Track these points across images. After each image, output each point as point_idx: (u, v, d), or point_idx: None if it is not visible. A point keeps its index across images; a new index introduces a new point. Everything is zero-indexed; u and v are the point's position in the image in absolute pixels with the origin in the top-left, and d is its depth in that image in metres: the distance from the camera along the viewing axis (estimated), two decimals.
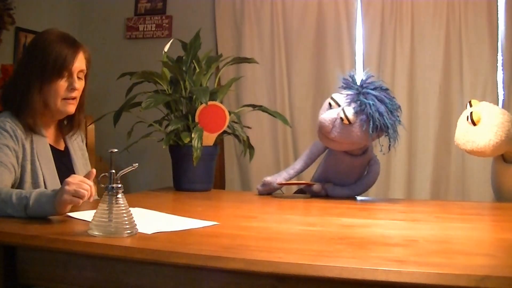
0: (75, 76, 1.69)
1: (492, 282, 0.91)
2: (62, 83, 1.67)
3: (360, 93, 1.86)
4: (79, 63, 1.70)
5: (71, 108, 1.71)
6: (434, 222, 1.58)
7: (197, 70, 2.30)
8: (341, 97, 1.90)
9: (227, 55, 2.66)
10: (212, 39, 3.44)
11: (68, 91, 1.68)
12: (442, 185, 3.10)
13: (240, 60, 2.79)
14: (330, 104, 1.92)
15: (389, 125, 1.83)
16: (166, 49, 2.38)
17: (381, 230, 1.44)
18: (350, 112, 1.84)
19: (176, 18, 3.59)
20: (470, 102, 2.01)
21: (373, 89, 1.86)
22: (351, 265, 0.99)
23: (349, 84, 1.92)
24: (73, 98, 1.70)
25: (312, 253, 1.11)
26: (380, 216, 1.76)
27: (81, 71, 1.71)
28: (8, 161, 1.56)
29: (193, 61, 2.32)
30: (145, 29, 3.65)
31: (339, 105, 1.89)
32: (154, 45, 3.44)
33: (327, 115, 1.88)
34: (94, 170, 1.43)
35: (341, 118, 1.85)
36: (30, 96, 1.65)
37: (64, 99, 1.68)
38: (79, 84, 1.71)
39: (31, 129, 1.66)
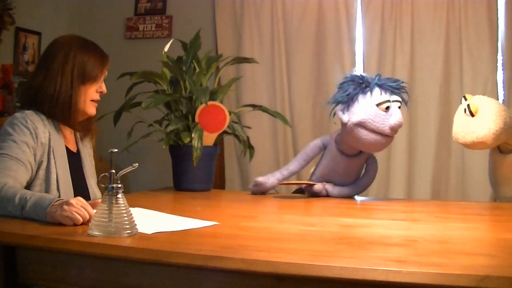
0: (102, 81, 1.81)
1: (492, 282, 0.91)
2: (95, 87, 1.78)
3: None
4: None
5: (94, 110, 1.81)
6: (434, 222, 1.58)
7: (197, 70, 2.30)
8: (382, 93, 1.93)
9: (227, 55, 2.65)
10: (212, 39, 3.44)
11: (96, 94, 1.80)
12: (442, 185, 3.10)
13: (240, 60, 2.79)
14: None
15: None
16: (166, 49, 2.38)
17: (381, 230, 1.44)
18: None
19: (176, 18, 3.59)
20: (464, 96, 2.04)
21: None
22: (351, 265, 0.99)
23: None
24: (97, 101, 1.82)
25: (312, 253, 1.11)
26: (380, 216, 1.76)
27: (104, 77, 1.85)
28: (25, 158, 1.60)
29: (193, 61, 2.32)
30: (145, 29, 3.65)
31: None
32: (154, 45, 3.44)
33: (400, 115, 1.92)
34: (99, 201, 1.41)
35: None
36: (71, 96, 1.72)
37: (92, 100, 1.79)
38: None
39: (60, 126, 1.73)
